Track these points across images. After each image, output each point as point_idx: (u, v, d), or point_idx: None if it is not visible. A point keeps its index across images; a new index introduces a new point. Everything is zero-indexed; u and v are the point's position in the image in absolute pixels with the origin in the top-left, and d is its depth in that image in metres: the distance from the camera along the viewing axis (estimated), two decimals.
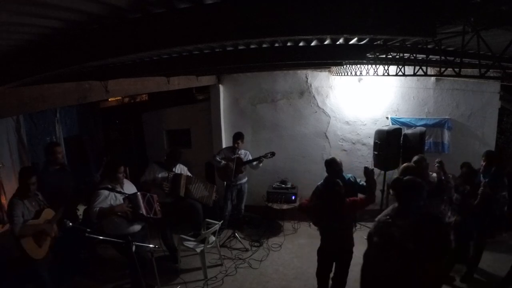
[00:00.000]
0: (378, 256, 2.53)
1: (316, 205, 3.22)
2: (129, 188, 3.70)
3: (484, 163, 3.83)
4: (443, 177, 3.64)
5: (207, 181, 4.67)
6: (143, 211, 3.51)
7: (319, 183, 3.49)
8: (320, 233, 3.37)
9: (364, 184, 3.55)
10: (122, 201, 3.46)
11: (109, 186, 3.50)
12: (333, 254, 3.31)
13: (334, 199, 3.04)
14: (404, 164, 3.85)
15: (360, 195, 3.43)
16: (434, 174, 3.77)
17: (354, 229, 3.49)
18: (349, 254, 3.27)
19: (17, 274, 3.39)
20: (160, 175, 4.40)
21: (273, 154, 5.21)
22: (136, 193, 3.60)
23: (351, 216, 3.26)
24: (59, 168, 3.97)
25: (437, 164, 3.69)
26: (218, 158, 5.23)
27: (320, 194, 3.20)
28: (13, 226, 3.00)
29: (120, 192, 3.53)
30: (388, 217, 2.53)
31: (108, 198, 3.41)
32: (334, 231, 3.19)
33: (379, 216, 2.66)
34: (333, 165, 3.74)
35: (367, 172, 3.21)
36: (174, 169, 4.55)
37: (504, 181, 3.66)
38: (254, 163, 5.24)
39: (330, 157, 3.93)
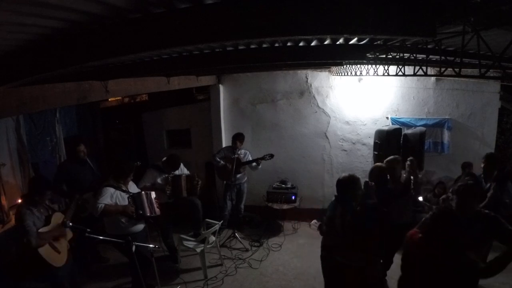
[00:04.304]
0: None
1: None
2: (132, 187, 3.72)
3: (484, 166, 3.79)
4: (411, 177, 3.52)
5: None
6: (147, 210, 3.53)
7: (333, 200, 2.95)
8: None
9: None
10: (127, 200, 3.48)
11: (114, 184, 3.51)
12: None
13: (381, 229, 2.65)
14: (375, 164, 3.81)
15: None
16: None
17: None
18: None
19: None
20: (159, 180, 4.38)
21: (271, 156, 5.20)
22: (140, 192, 3.63)
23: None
24: (82, 162, 4.23)
25: (408, 163, 3.56)
26: (217, 158, 5.25)
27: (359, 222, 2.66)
28: (28, 237, 2.77)
29: (124, 191, 3.55)
30: None
31: (114, 196, 3.42)
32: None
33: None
34: (356, 187, 2.82)
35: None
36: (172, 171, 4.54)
37: (509, 185, 3.62)
38: (253, 164, 5.26)
39: (347, 174, 2.93)
